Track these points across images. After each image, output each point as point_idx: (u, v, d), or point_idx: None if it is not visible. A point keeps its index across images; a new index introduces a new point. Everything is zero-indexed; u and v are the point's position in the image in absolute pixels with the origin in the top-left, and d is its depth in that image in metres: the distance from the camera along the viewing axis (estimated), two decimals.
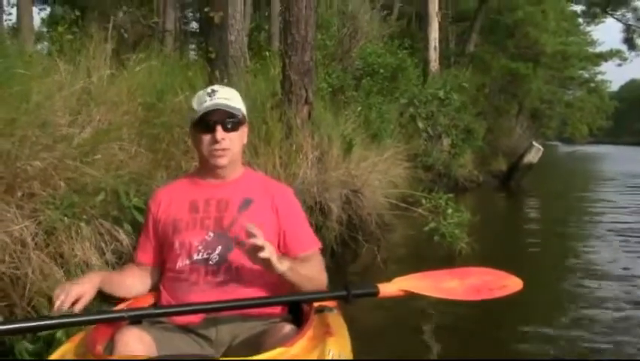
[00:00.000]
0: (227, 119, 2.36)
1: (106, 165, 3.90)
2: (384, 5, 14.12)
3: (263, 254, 2.12)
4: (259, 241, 2.11)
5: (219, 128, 2.34)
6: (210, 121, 2.34)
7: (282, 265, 2.21)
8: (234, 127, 2.38)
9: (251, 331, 2.24)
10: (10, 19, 13.60)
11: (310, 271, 2.36)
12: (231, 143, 2.38)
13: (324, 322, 2.24)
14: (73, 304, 2.17)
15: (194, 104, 2.40)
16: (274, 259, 2.16)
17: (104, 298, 2.47)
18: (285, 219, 2.43)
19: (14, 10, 12.63)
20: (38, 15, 17.77)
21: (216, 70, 6.83)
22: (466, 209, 6.91)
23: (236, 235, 2.32)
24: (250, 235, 2.12)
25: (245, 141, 2.50)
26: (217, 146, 2.35)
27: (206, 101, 2.36)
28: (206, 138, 2.36)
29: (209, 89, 2.42)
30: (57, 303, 2.15)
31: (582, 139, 52.06)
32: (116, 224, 3.62)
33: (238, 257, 2.30)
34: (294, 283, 2.29)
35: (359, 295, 2.32)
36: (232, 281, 2.30)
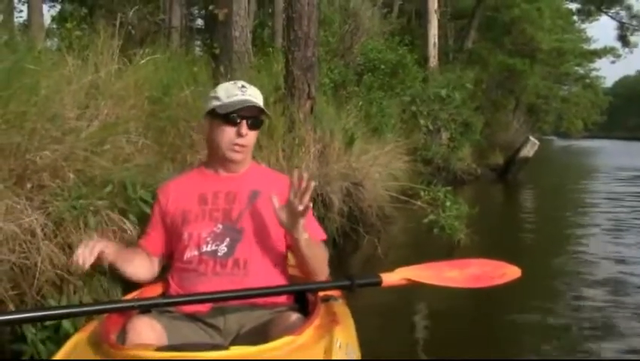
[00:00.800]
0: (255, 118, 2.36)
1: (114, 158, 3.88)
2: (384, 3, 14.13)
3: (300, 207, 2.17)
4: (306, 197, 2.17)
5: (244, 124, 2.34)
6: (239, 116, 2.33)
7: (304, 234, 2.25)
8: (257, 126, 2.39)
9: (258, 320, 2.24)
10: (21, 17, 13.60)
11: (322, 253, 2.39)
12: (250, 140, 2.40)
13: (331, 311, 2.23)
14: (91, 257, 2.25)
15: (221, 95, 2.38)
16: (304, 219, 2.19)
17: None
18: None
19: (25, 8, 12.58)
20: (48, 12, 17.73)
21: (221, 65, 6.81)
22: (464, 201, 6.89)
23: (243, 227, 2.32)
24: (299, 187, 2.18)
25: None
26: (240, 141, 2.35)
27: (236, 95, 2.35)
28: (230, 130, 2.35)
29: (239, 84, 2.41)
30: (79, 258, 2.24)
31: (577, 134, 52.11)
32: (122, 215, 3.60)
33: (246, 249, 2.31)
34: (307, 259, 2.30)
35: (363, 285, 2.32)
36: (239, 273, 2.29)
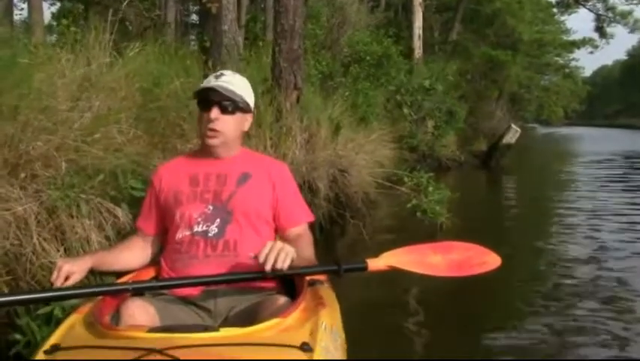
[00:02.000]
0: (224, 101, 2.32)
1: (105, 148, 3.86)
2: None
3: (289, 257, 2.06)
4: (281, 255, 2.05)
5: (214, 109, 2.31)
6: (208, 100, 2.32)
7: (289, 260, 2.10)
8: (231, 110, 2.34)
9: (247, 303, 2.23)
10: (21, 14, 13.52)
11: (307, 253, 2.35)
12: (225, 126, 2.34)
13: (317, 294, 2.23)
14: (66, 280, 2.18)
15: (203, 84, 2.39)
16: (287, 264, 2.07)
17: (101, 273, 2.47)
18: (281, 192, 2.41)
19: (26, 6, 12.51)
20: (49, 10, 17.62)
21: (211, 58, 6.78)
22: (447, 187, 6.91)
23: (233, 208, 2.31)
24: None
25: (245, 128, 2.46)
26: (210, 125, 2.32)
27: (210, 81, 2.34)
28: (205, 116, 2.34)
29: (218, 73, 2.40)
30: (52, 278, 2.19)
31: (558, 121, 52.07)
32: (114, 203, 3.59)
33: (235, 230, 2.30)
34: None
35: (349, 270, 2.29)
36: (230, 254, 2.28)
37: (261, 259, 2.02)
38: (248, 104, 2.42)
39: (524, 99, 37.90)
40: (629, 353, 3.53)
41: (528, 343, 3.71)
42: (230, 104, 2.34)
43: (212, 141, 2.35)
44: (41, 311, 2.91)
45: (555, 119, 48.33)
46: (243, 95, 2.38)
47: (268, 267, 2.01)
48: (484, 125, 22.17)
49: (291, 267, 2.27)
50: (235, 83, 2.38)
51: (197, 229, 2.30)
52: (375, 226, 6.88)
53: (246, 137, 5.55)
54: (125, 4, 7.88)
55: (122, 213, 3.58)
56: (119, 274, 2.44)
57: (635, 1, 27.76)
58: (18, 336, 2.92)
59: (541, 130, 54.11)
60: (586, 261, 5.67)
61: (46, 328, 2.82)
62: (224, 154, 2.41)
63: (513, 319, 4.20)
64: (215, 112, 2.31)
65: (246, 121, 2.44)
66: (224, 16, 6.84)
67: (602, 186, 12.03)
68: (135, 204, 3.36)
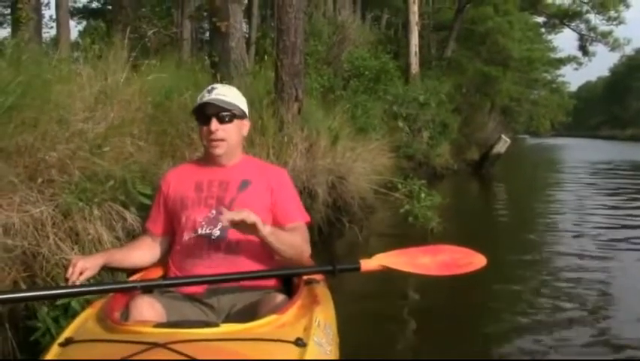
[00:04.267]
0: (221, 113, 2.32)
1: (116, 156, 3.88)
2: (374, 16, 14.05)
3: (249, 219, 2.10)
4: (243, 214, 2.10)
5: (214, 121, 2.31)
6: (206, 114, 2.32)
7: (265, 229, 2.17)
8: (229, 120, 2.34)
9: (248, 300, 2.23)
10: (49, 32, 13.67)
11: (293, 239, 2.33)
12: (226, 134, 2.34)
13: (312, 293, 2.24)
14: (80, 275, 2.19)
15: (198, 100, 2.37)
16: (259, 223, 2.13)
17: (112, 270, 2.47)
18: (278, 195, 2.40)
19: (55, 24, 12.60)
20: (76, 28, 17.77)
21: (219, 72, 6.79)
22: (441, 194, 6.89)
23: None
24: (237, 215, 2.11)
25: (244, 133, 2.45)
26: (212, 136, 2.32)
27: (204, 97, 2.33)
28: (204, 129, 2.33)
29: (209, 87, 2.39)
30: (67, 274, 2.19)
31: (546, 132, 51.93)
32: (123, 207, 3.60)
33: (237, 233, 2.27)
34: (276, 248, 2.26)
35: (343, 270, 2.29)
36: (232, 255, 2.28)
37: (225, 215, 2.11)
38: (243, 111, 2.41)
39: (515, 111, 37.93)
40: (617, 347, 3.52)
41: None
42: (227, 114, 2.34)
43: (217, 151, 2.35)
44: (60, 302, 2.95)
45: (543, 130, 48.16)
46: (236, 103, 2.38)
47: (225, 217, 2.10)
48: (477, 135, 22.15)
49: (288, 268, 2.32)
50: (227, 93, 2.38)
51: (202, 231, 2.30)
52: (371, 229, 6.86)
53: (251, 145, 5.64)
54: (147, 24, 7.91)
55: (130, 216, 3.60)
56: (129, 271, 2.44)
57: (614, 22, 27.77)
58: (37, 324, 2.96)
59: (531, 140, 54.18)
60: (570, 259, 5.70)
61: (64, 318, 2.86)
62: (227, 161, 2.40)
63: (499, 314, 4.21)
64: (215, 124, 2.31)
65: (244, 126, 2.44)
66: (232, 33, 6.87)
67: (584, 190, 12.10)
68: (143, 208, 3.37)
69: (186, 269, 2.30)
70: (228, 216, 2.11)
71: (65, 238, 3.32)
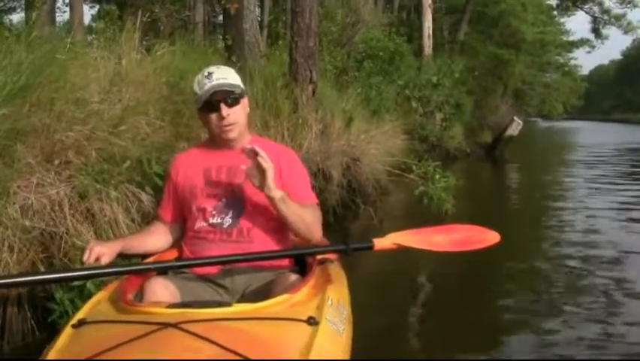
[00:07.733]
0: (228, 97, 2.27)
1: (132, 137, 3.84)
2: None
3: (265, 163, 2.13)
4: (262, 153, 2.14)
5: (223, 106, 2.26)
6: (213, 101, 2.26)
7: (276, 192, 2.17)
8: (236, 102, 2.30)
9: (262, 280, 2.22)
10: (63, 16, 13.67)
11: (304, 213, 2.29)
12: (236, 116, 2.30)
13: (326, 272, 2.22)
14: (96, 260, 2.18)
15: (196, 89, 2.31)
16: (270, 178, 2.14)
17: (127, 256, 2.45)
18: (287, 176, 2.35)
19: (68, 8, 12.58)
20: (89, 11, 17.76)
21: (233, 55, 6.74)
22: (454, 175, 6.81)
23: (244, 199, 2.28)
24: (252, 154, 2.14)
25: (247, 110, 2.41)
26: (224, 122, 2.28)
27: (205, 85, 2.27)
28: (213, 116, 2.29)
29: (205, 72, 2.32)
30: (84, 258, 2.18)
31: (558, 116, 51.50)
32: (139, 188, 3.58)
33: (248, 219, 2.27)
34: (286, 217, 2.23)
35: (357, 249, 2.28)
36: (244, 240, 2.26)
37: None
38: (242, 89, 2.37)
39: (527, 95, 37.57)
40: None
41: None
42: (234, 97, 2.29)
43: (231, 135, 2.32)
44: (76, 284, 2.95)
45: (555, 113, 47.80)
46: (237, 83, 2.34)
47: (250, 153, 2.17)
48: (489, 118, 22.12)
49: (301, 248, 2.31)
50: (227, 75, 2.32)
51: (213, 220, 2.29)
52: (385, 211, 6.80)
53: (265, 127, 5.60)
54: (160, 8, 7.85)
55: (146, 198, 3.58)
56: (144, 256, 2.42)
57: (628, 5, 27.38)
58: (54, 306, 2.97)
59: (543, 124, 53.84)
60: (583, 237, 5.69)
61: (80, 300, 2.84)
62: (238, 143, 2.35)
63: (512, 295, 4.16)
64: (225, 109, 2.26)
65: (245, 104, 2.40)
66: (246, 15, 6.81)
67: (596, 172, 11.99)
68: (158, 190, 3.34)
69: (200, 253, 2.28)
70: (248, 147, 2.15)
71: (82, 219, 3.31)
